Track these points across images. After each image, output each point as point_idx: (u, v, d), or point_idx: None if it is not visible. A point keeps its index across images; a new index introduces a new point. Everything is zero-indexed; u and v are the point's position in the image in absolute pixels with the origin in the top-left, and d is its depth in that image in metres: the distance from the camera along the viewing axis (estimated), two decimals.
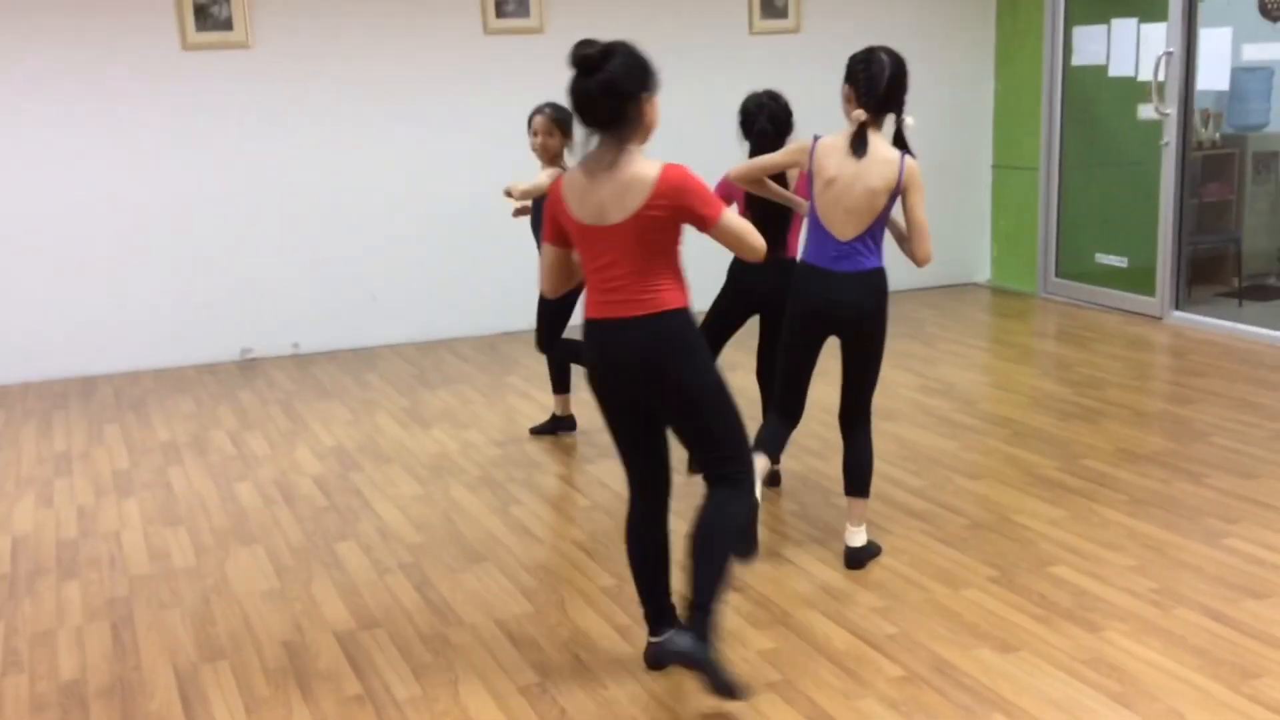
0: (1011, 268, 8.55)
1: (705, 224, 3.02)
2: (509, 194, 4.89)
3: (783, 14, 8.03)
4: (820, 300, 3.81)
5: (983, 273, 8.78)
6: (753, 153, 4.23)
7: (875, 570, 3.86)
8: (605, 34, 7.43)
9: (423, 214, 7.39)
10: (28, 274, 6.77)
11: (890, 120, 3.78)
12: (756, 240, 3.09)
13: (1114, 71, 7.60)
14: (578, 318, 3.65)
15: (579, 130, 3.09)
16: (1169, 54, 7.09)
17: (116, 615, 3.82)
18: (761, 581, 3.81)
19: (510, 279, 7.58)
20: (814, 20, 8.08)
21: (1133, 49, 7.45)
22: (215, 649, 3.57)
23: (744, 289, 4.49)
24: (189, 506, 4.78)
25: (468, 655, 3.46)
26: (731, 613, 3.59)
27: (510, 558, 4.14)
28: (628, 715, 3.12)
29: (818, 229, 3.80)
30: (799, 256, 3.96)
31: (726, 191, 4.21)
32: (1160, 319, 7.30)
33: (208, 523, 4.60)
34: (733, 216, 3.07)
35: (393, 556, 4.20)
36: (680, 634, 3.07)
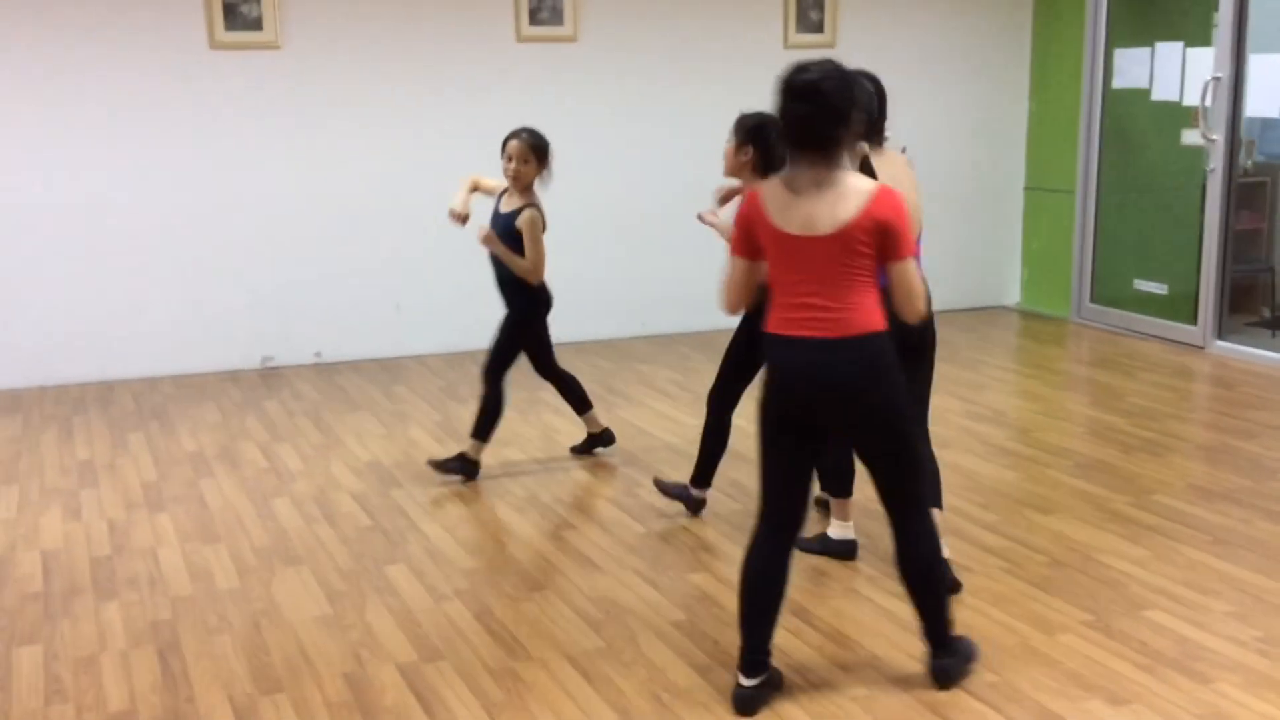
0: (1043, 291, 8.41)
1: (894, 256, 3.01)
2: (456, 214, 4.89)
3: (819, 28, 7.88)
4: None
5: (1012, 296, 8.64)
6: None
7: (962, 611, 3.68)
8: (637, 42, 7.27)
9: (450, 223, 7.17)
10: (46, 276, 6.56)
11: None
12: (922, 302, 3.09)
13: (1157, 95, 7.48)
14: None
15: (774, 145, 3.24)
16: (1217, 79, 6.96)
17: (162, 640, 3.61)
18: (841, 620, 3.63)
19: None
20: (850, 35, 7.94)
21: (1177, 73, 7.33)
22: (272, 680, 3.37)
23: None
24: (225, 523, 4.58)
25: (542, 693, 3.27)
26: (816, 655, 3.42)
27: (571, 586, 3.95)
28: None
29: None
30: None
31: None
32: (1202, 348, 7.17)
33: (248, 541, 4.40)
34: (916, 267, 3.05)
35: (447, 582, 4.01)
36: (948, 659, 3.19)
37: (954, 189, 8.25)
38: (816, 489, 4.23)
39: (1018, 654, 3.41)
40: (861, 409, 3.06)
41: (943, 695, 3.20)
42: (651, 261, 7.63)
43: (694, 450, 4.56)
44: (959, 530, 4.29)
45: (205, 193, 6.76)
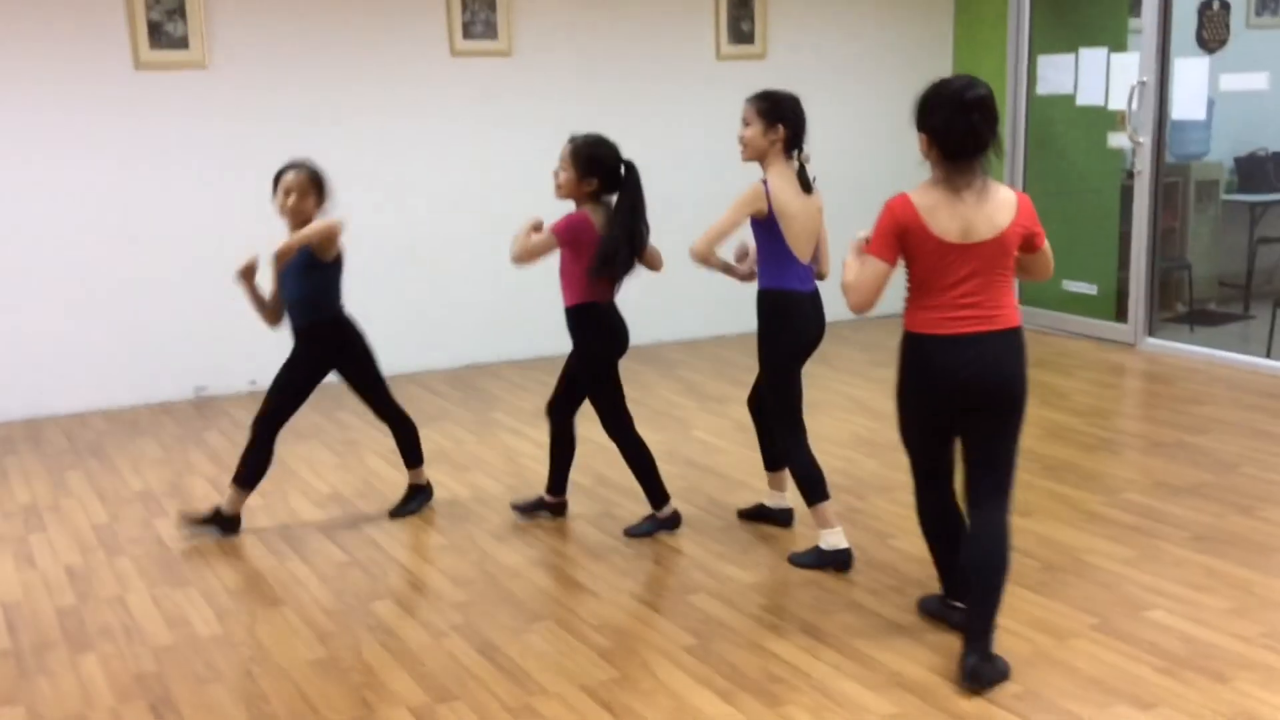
0: None
1: (1038, 244, 3.37)
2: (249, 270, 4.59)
3: (749, 39, 7.90)
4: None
5: None
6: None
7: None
8: (572, 56, 7.22)
9: (382, 242, 7.00)
10: None
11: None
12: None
13: (1082, 100, 7.66)
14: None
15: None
16: (1143, 83, 7.15)
17: (152, 694, 3.43)
18: (860, 640, 3.60)
19: (479, 309, 7.33)
20: (778, 47, 7.98)
21: (1101, 78, 7.50)
22: None
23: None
24: (191, 564, 4.38)
25: None
26: (839, 676, 3.38)
27: (571, 616, 3.86)
28: None
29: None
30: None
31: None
32: (1133, 345, 7.35)
33: (218, 582, 4.22)
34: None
35: (441, 617, 3.88)
36: (983, 663, 3.26)
37: (877, 196, 8.31)
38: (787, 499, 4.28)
39: (1034, 662, 3.42)
40: (1013, 396, 3.29)
41: (966, 706, 3.19)
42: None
43: (664, 463, 4.52)
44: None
45: (132, 219, 6.49)
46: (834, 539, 4.12)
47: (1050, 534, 4.37)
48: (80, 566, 4.38)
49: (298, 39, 6.71)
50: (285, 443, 5.78)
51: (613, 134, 7.41)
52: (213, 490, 5.18)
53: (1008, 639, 3.55)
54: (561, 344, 4.51)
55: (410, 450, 4.87)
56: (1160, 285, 8.05)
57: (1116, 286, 7.94)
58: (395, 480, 5.21)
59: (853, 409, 6.17)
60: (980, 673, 3.24)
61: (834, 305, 4.05)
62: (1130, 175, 7.60)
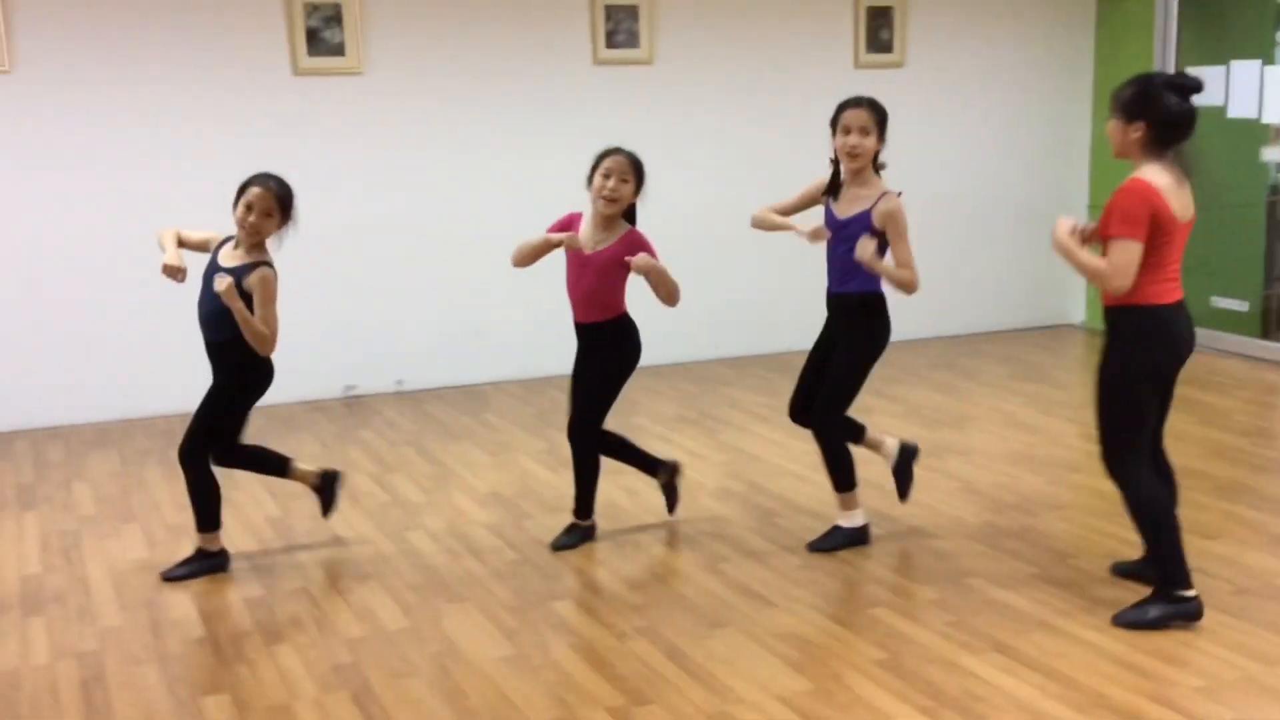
0: None
1: None
2: (173, 268, 4.17)
3: (888, 48, 7.85)
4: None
5: (1077, 314, 8.62)
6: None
7: (1165, 643, 3.62)
8: (711, 64, 7.22)
9: (168, 281, 6.96)
10: (126, 307, 6.43)
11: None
12: None
13: (1234, 113, 7.49)
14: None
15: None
16: None
17: (351, 685, 3.49)
18: (1051, 658, 3.55)
19: None
20: (918, 55, 7.91)
21: (1255, 90, 7.33)
22: None
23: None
24: (370, 559, 4.46)
25: None
26: (1043, 697, 3.34)
27: (751, 624, 3.85)
28: None
29: None
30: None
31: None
32: None
33: (398, 578, 4.29)
34: None
35: (622, 619, 3.91)
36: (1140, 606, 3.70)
37: (1018, 208, 8.25)
38: None
39: (1246, 688, 3.34)
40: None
41: None
42: (725, 284, 7.55)
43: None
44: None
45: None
46: (854, 518, 4.46)
47: (1235, 557, 4.27)
48: (260, 557, 4.49)
49: (446, 46, 6.82)
50: (440, 442, 5.91)
51: (750, 141, 7.51)
52: (377, 487, 5.28)
53: (1211, 664, 3.47)
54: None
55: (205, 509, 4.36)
56: None
57: (1263, 304, 7.75)
58: (551, 481, 5.27)
59: (1005, 424, 6.09)
60: (1125, 615, 3.73)
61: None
62: (1277, 191, 7.42)
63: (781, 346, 7.38)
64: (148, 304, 6.32)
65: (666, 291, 4.32)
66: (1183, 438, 5.77)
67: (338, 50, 6.57)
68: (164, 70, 6.32)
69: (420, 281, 6.97)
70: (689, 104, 7.38)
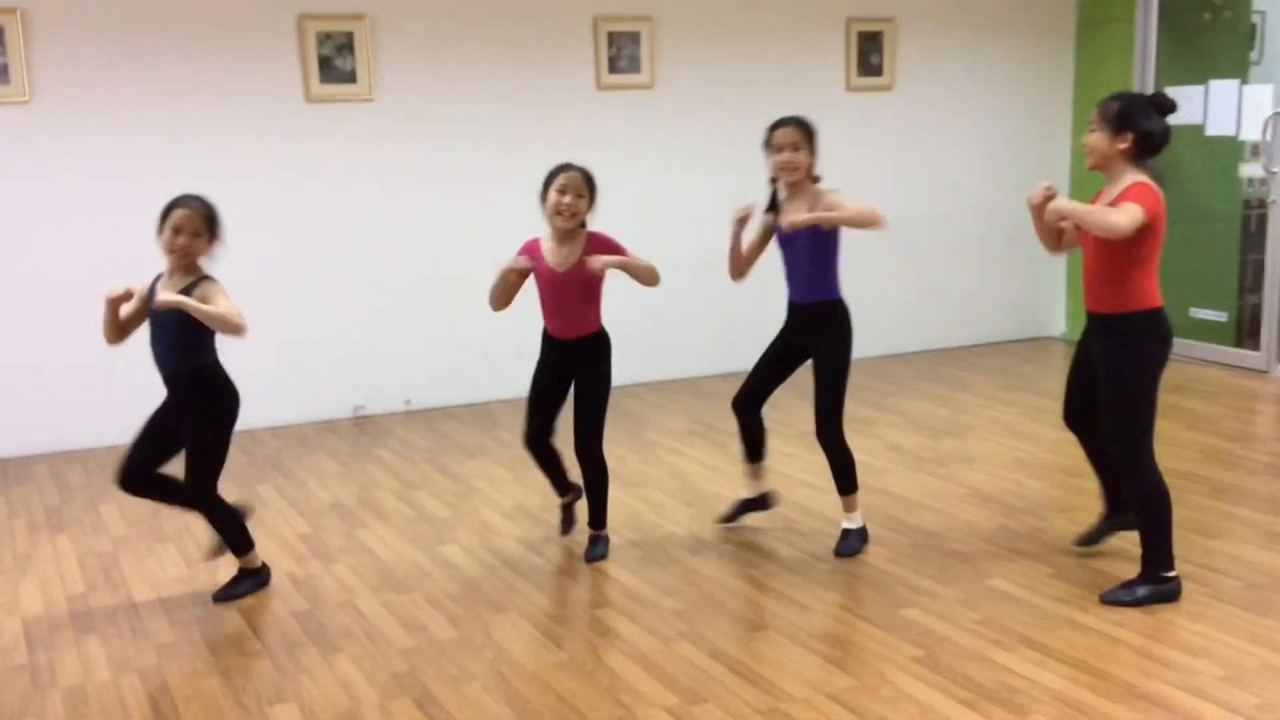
0: None
1: None
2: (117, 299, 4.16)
3: (878, 72, 8.08)
4: None
5: (1057, 326, 8.87)
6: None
7: (1182, 634, 3.82)
8: (710, 88, 7.44)
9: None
10: (142, 331, 6.49)
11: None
12: None
13: (1212, 130, 7.77)
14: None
15: None
16: (1277, 114, 7.27)
17: (413, 693, 3.62)
18: (1080, 651, 3.73)
19: (625, 334, 7.51)
20: (906, 78, 8.15)
21: (1233, 109, 7.61)
22: None
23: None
24: (408, 572, 4.59)
25: None
26: (1076, 688, 3.52)
27: (789, 626, 4.01)
28: None
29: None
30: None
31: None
32: (1266, 372, 7.43)
33: (440, 590, 4.41)
34: None
35: (664, 624, 4.05)
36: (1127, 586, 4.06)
37: (1002, 224, 8.49)
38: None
39: (1265, 675, 3.53)
40: None
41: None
42: (725, 302, 7.72)
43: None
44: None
45: (299, 244, 6.76)
46: (854, 520, 4.69)
47: (1241, 555, 4.48)
48: (300, 574, 4.60)
49: (455, 74, 6.97)
50: (457, 459, 6.03)
51: (748, 162, 7.69)
52: (402, 504, 5.40)
53: (1229, 652, 3.67)
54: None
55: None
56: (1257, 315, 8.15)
57: (1237, 314, 8.03)
58: None
59: (1003, 432, 6.30)
60: (1113, 592, 4.07)
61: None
62: (1249, 205, 7.72)
63: None
64: None
65: (641, 276, 4.52)
66: (1174, 443, 6.01)
67: (349, 77, 6.71)
68: (179, 98, 6.43)
69: (428, 302, 7.10)
70: (689, 126, 7.58)
